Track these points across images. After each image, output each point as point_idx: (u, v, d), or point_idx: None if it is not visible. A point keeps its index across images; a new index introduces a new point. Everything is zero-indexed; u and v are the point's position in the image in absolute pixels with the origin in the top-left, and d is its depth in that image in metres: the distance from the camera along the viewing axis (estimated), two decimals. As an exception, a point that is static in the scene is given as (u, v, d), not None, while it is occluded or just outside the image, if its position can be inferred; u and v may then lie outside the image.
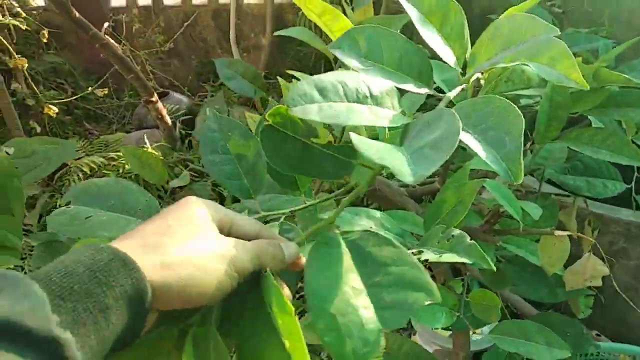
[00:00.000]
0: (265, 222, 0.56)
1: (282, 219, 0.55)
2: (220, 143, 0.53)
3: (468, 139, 0.35)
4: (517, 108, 0.34)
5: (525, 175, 0.75)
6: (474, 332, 1.18)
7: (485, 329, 1.21)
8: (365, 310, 0.32)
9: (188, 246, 0.32)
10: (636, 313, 1.22)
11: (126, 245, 0.30)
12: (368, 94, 0.38)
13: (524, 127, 0.33)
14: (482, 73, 0.51)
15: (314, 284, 0.33)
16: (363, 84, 0.38)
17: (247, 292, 0.36)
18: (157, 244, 0.31)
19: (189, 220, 0.33)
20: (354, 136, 0.32)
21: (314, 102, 0.35)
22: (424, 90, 0.44)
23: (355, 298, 0.32)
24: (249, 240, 0.36)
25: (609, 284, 1.08)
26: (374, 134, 0.68)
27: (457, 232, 0.43)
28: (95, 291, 0.27)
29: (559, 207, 0.73)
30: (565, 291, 0.71)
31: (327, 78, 0.36)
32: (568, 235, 0.61)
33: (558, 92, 0.60)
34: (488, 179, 0.55)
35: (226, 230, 0.36)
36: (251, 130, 0.55)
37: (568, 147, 0.69)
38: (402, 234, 0.56)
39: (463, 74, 0.48)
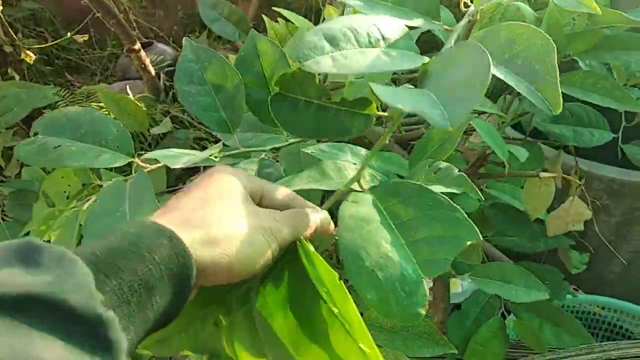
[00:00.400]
0: (246, 158, 0.54)
1: (262, 155, 0.53)
2: (197, 74, 0.50)
3: (498, 72, 0.32)
4: (544, 33, 0.32)
5: (512, 121, 0.74)
6: (455, 281, 1.19)
7: (466, 283, 1.23)
8: (405, 262, 0.31)
9: (230, 221, 0.31)
10: (613, 270, 1.24)
11: (169, 220, 0.29)
12: (380, 37, 0.35)
13: (555, 52, 0.31)
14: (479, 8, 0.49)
15: (347, 242, 0.32)
16: (374, 27, 0.35)
17: (283, 262, 0.35)
18: (199, 220, 0.30)
19: (225, 192, 0.33)
20: (375, 86, 0.29)
21: (326, 52, 0.32)
22: (435, 25, 0.41)
23: (393, 251, 0.31)
24: (280, 207, 0.36)
25: (588, 242, 1.10)
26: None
27: (444, 164, 0.42)
28: (140, 269, 0.26)
29: (544, 157, 0.73)
30: (547, 239, 0.71)
31: (335, 25, 0.33)
32: (553, 182, 0.61)
33: (553, 32, 0.57)
34: (477, 118, 0.53)
35: (257, 199, 0.35)
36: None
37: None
38: (388, 174, 0.55)
39: (467, 6, 0.46)
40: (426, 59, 0.36)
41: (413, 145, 1.01)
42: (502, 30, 0.35)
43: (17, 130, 1.78)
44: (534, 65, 0.32)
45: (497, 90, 0.76)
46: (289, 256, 0.35)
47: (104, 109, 1.80)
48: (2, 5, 1.93)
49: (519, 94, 0.71)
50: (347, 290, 0.30)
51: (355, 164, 0.52)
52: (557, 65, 0.31)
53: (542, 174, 0.54)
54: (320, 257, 0.32)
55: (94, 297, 0.23)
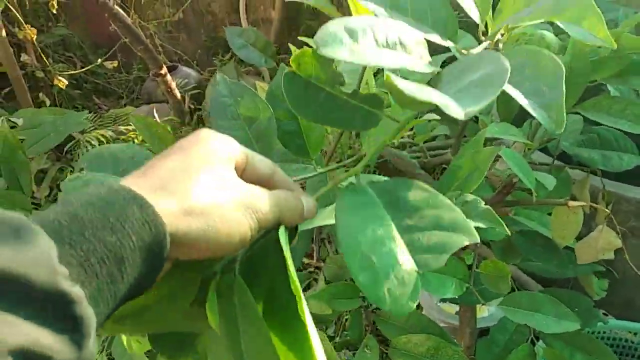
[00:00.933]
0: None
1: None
2: (231, 108, 0.52)
3: (508, 88, 0.32)
4: (554, 56, 0.32)
5: (539, 148, 0.74)
6: (481, 306, 1.18)
7: (492, 308, 1.21)
8: (400, 252, 0.30)
9: (210, 191, 0.29)
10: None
11: (142, 185, 0.27)
12: (398, 41, 0.36)
13: (564, 74, 0.31)
14: (502, 35, 0.50)
15: (345, 224, 0.32)
16: (393, 31, 0.36)
17: (266, 242, 0.34)
18: (176, 187, 0.28)
19: (207, 158, 0.30)
20: (393, 77, 0.29)
21: (344, 43, 0.33)
22: (449, 44, 0.42)
23: (389, 240, 0.31)
24: (262, 180, 0.34)
25: (617, 265, 1.07)
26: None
27: (470, 197, 0.42)
28: (109, 239, 0.24)
29: (572, 182, 0.72)
30: (576, 266, 0.70)
31: (357, 21, 0.34)
32: (582, 209, 0.61)
33: (578, 59, 0.58)
34: (504, 147, 0.54)
35: (241, 169, 0.33)
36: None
37: (585, 117, 0.68)
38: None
39: (485, 34, 0.47)
40: (437, 68, 0.36)
41: (440, 171, 1.01)
42: (516, 53, 0.36)
43: (49, 154, 1.84)
44: (542, 87, 0.32)
45: (522, 115, 0.76)
46: (270, 240, 0.34)
47: (132, 131, 1.85)
48: (34, 29, 2.01)
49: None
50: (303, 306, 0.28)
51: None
52: (564, 86, 0.31)
53: (571, 203, 0.54)
54: (290, 259, 0.30)
55: (57, 271, 0.21)
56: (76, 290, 0.22)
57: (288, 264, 0.30)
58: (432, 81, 0.36)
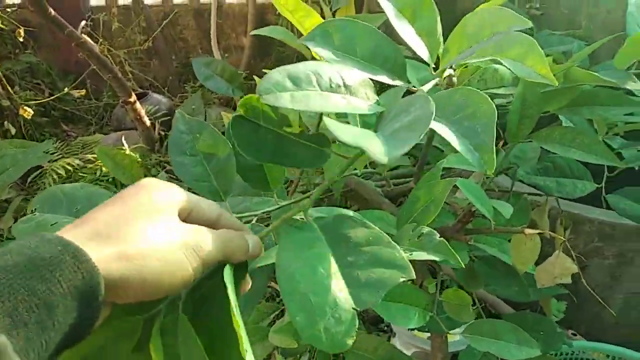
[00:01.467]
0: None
1: (253, 221, 0.54)
2: (189, 145, 0.52)
3: (442, 129, 0.35)
4: (489, 99, 0.34)
5: (498, 174, 0.76)
6: (449, 334, 1.19)
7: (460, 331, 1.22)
8: (339, 290, 0.31)
9: (147, 235, 0.29)
10: (610, 312, 1.24)
11: (77, 234, 0.28)
12: (342, 84, 0.37)
13: (496, 117, 0.33)
14: (454, 70, 0.51)
15: (284, 265, 0.32)
16: (337, 74, 0.37)
17: (213, 281, 0.34)
18: (112, 233, 0.28)
19: (146, 205, 0.31)
20: (328, 121, 0.31)
21: (287, 90, 0.34)
22: (398, 83, 0.44)
23: (328, 278, 0.31)
24: (208, 223, 0.34)
25: (582, 284, 1.10)
26: (345, 122, 0.67)
27: (426, 229, 0.43)
28: (38, 288, 0.24)
29: (532, 207, 0.74)
30: (537, 290, 0.72)
31: (300, 68, 0.35)
32: (541, 235, 0.62)
33: (530, 91, 0.60)
34: (460, 178, 0.55)
35: (185, 214, 0.33)
36: (224, 132, 0.54)
37: (540, 147, 0.70)
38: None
39: (436, 70, 0.48)
40: (381, 109, 0.38)
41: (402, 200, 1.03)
42: (456, 93, 0.37)
43: (12, 183, 1.79)
44: (477, 127, 0.34)
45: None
46: (216, 279, 0.34)
47: (99, 160, 1.82)
48: (0, 59, 1.98)
49: (503, 146, 0.73)
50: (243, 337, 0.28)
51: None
52: (494, 131, 0.33)
53: (527, 231, 0.55)
54: (233, 297, 0.30)
55: None
56: (1, 340, 0.22)
57: (231, 301, 0.30)
58: (378, 120, 0.37)
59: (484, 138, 0.33)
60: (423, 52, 0.46)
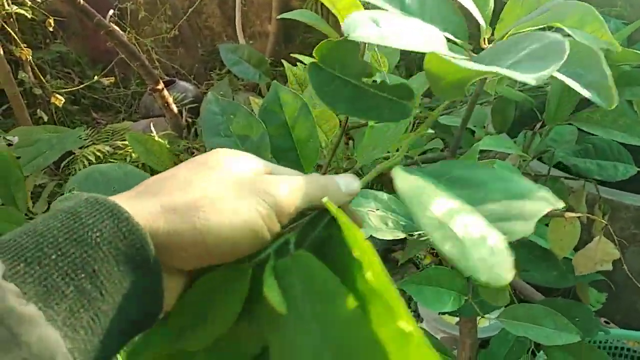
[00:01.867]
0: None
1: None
2: (223, 126, 0.52)
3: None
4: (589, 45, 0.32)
5: (534, 158, 0.74)
6: (481, 318, 1.17)
7: (493, 316, 1.20)
8: (479, 220, 0.25)
9: (200, 185, 0.25)
10: (646, 300, 1.20)
11: (124, 196, 0.24)
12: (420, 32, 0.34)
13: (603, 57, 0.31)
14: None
15: (407, 190, 0.26)
16: (412, 23, 0.34)
17: (324, 223, 0.29)
18: (159, 188, 0.25)
19: (211, 168, 0.26)
20: (440, 52, 0.28)
21: (376, 26, 0.31)
22: (464, 44, 0.42)
23: (460, 212, 0.25)
24: None
25: (618, 272, 1.07)
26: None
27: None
28: (74, 251, 0.21)
29: (568, 192, 0.72)
30: (575, 276, 0.70)
31: (379, 13, 0.33)
32: (578, 219, 0.60)
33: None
34: (498, 160, 0.54)
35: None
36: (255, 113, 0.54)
37: (579, 129, 0.68)
38: (410, 216, 0.55)
39: (490, 41, 0.47)
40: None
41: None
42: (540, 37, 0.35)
43: (46, 169, 1.84)
44: (579, 71, 0.32)
45: (517, 126, 0.76)
46: (323, 221, 0.29)
47: (130, 146, 1.85)
48: (32, 49, 2.03)
49: (540, 128, 0.71)
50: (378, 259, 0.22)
51: (377, 209, 0.53)
52: (604, 65, 0.31)
53: (567, 214, 0.53)
54: (348, 221, 0.25)
55: (2, 287, 0.19)
56: (28, 310, 0.19)
57: (377, 263, 0.23)
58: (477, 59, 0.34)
59: (595, 76, 0.30)
60: (480, 19, 0.45)
